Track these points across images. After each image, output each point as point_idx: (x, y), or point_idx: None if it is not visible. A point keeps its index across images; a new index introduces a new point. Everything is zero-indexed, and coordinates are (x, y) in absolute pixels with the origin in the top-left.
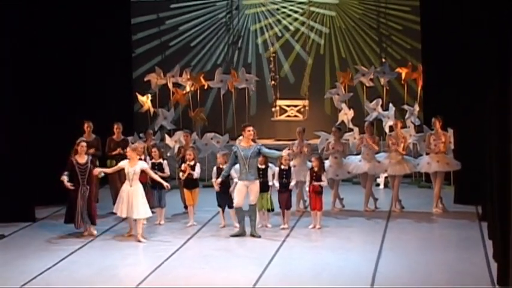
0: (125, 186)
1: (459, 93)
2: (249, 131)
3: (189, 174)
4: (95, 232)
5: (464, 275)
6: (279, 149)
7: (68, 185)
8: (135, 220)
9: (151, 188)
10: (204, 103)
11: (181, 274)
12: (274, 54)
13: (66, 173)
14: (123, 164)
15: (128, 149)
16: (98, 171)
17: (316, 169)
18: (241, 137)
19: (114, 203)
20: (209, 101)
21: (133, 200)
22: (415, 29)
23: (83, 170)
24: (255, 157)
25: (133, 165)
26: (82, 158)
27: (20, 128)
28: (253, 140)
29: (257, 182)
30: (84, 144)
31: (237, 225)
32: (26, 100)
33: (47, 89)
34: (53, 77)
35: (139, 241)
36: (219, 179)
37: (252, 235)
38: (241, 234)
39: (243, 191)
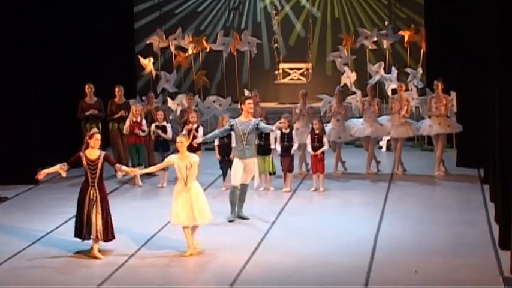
0: (179, 188)
1: (462, 56)
2: (249, 103)
3: (193, 137)
4: (98, 254)
5: (466, 237)
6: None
7: (42, 173)
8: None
9: (154, 150)
10: (207, 66)
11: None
12: (277, 17)
13: (65, 163)
14: (171, 159)
15: (178, 138)
16: (139, 172)
17: (317, 131)
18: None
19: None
20: (215, 64)
21: (194, 202)
22: (417, 1)
23: (92, 168)
24: (253, 132)
25: (184, 159)
26: (93, 153)
27: (23, 92)
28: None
29: (254, 160)
30: (99, 136)
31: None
32: (29, 66)
33: (50, 54)
34: (56, 43)
35: (193, 254)
36: (200, 139)
37: (240, 217)
38: (234, 219)
39: (241, 170)
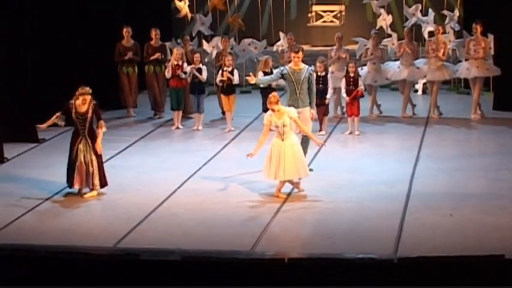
0: (275, 143)
1: None
2: (294, 57)
3: (228, 79)
4: (92, 193)
5: (502, 181)
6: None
7: (41, 127)
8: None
9: (190, 93)
10: (241, 8)
11: (219, 178)
12: None
13: (59, 113)
14: (269, 117)
15: (271, 97)
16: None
17: (352, 74)
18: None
19: (152, 108)
20: (247, 7)
21: (288, 157)
22: None
23: (82, 120)
24: (306, 81)
25: (281, 117)
26: (82, 107)
27: (59, 34)
28: (304, 62)
29: (308, 109)
30: (88, 97)
31: None
32: (68, 10)
33: None
34: None
35: (297, 188)
36: (254, 80)
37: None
38: None
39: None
